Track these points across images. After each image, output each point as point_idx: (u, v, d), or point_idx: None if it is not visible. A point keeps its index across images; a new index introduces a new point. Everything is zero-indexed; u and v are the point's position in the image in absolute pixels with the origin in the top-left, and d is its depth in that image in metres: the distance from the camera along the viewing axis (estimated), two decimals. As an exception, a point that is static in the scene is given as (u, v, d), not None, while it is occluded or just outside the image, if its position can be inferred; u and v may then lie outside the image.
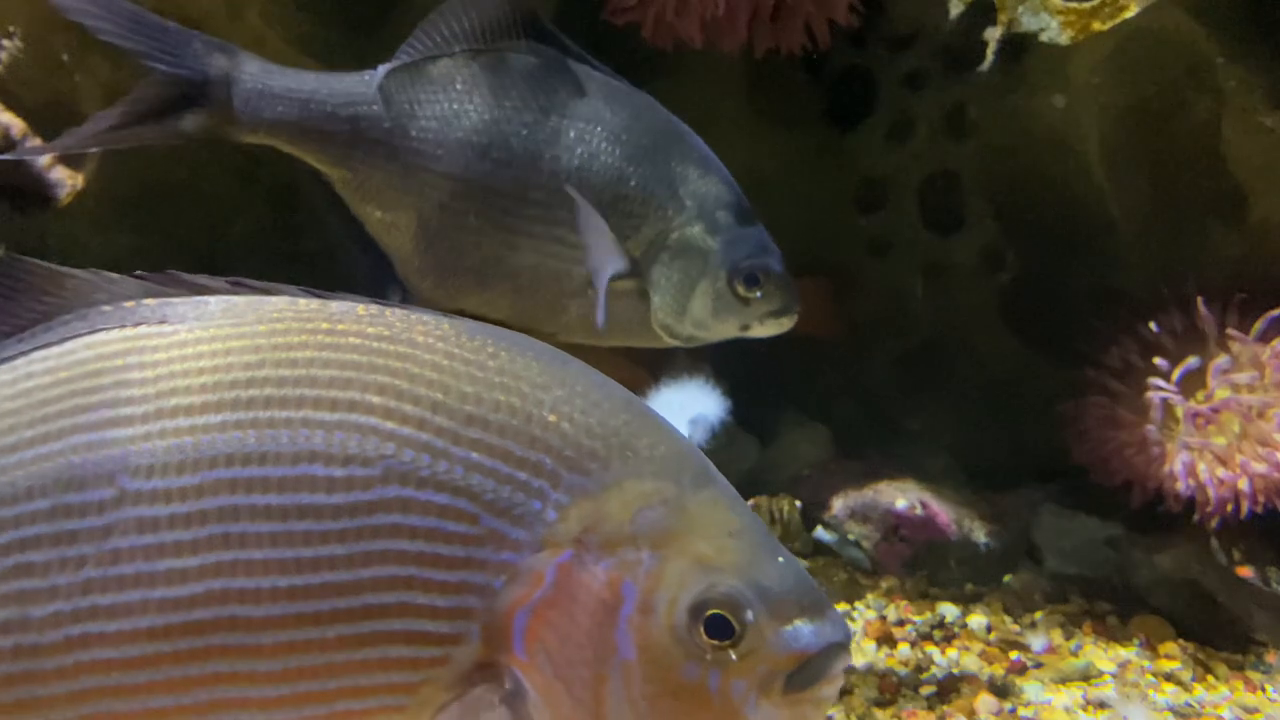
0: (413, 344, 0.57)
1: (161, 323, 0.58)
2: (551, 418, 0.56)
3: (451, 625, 0.54)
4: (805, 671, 0.54)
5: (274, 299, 0.60)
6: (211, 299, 0.60)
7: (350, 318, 0.58)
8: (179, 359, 0.57)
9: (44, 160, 1.50)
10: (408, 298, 1.04)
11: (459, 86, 1.00)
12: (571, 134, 0.99)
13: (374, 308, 0.59)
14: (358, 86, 1.00)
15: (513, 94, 1.00)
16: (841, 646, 0.55)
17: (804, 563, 1.20)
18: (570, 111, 0.99)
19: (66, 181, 1.50)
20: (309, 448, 0.55)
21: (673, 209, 1.00)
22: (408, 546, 0.54)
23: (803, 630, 0.54)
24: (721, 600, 0.53)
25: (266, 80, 0.98)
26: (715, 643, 0.53)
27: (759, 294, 1.01)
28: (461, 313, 1.05)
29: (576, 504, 0.55)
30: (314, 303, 0.60)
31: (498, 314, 1.04)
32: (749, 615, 0.53)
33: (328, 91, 0.99)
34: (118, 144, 0.99)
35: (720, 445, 1.20)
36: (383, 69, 1.00)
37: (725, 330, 1.03)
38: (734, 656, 0.53)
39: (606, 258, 0.99)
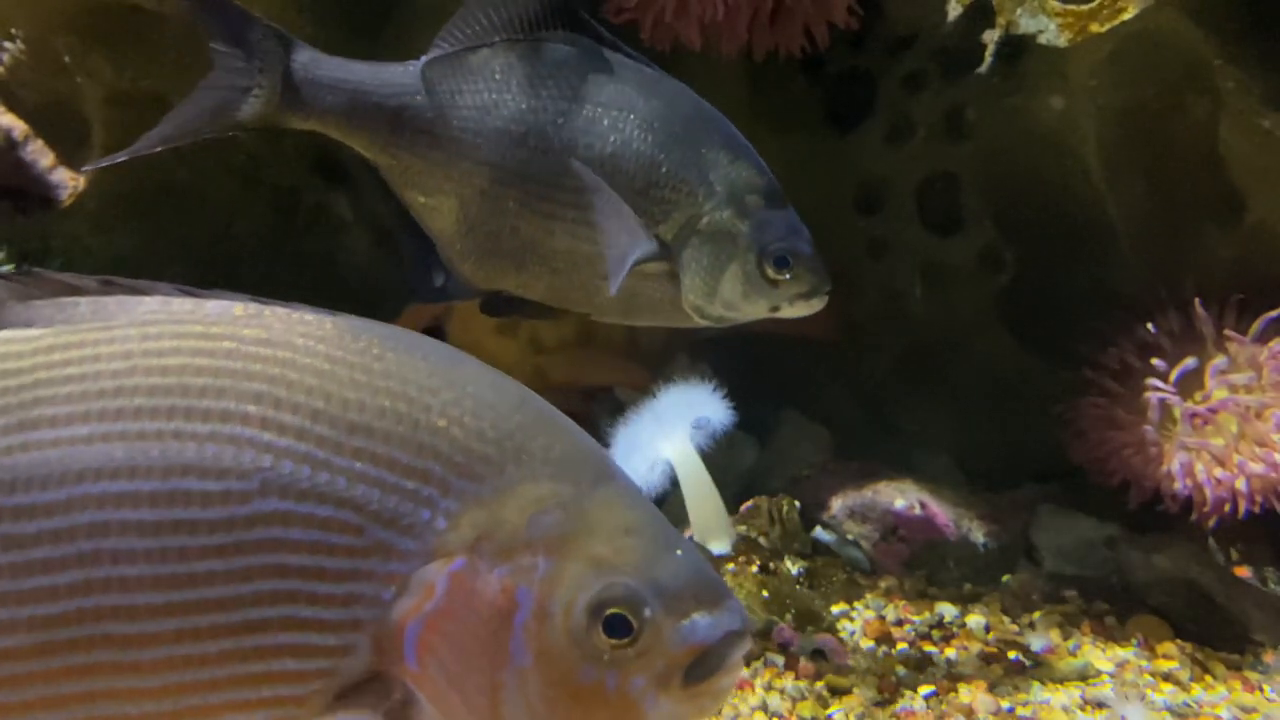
0: (292, 348, 0.55)
1: (27, 326, 0.56)
2: (440, 422, 0.55)
3: (339, 638, 0.53)
4: (704, 663, 0.54)
5: (147, 300, 0.57)
6: (81, 300, 0.57)
7: (226, 320, 0.56)
8: (44, 366, 0.54)
9: (46, 161, 1.50)
10: (451, 279, 1.07)
11: (497, 76, 1.02)
12: (605, 122, 1.01)
13: (252, 307, 0.57)
14: (402, 77, 1.02)
15: (549, 83, 1.02)
16: (739, 635, 0.55)
17: (803, 563, 1.20)
18: (604, 99, 1.01)
19: (68, 183, 1.51)
20: (181, 461, 0.53)
21: (703, 194, 1.02)
22: (290, 560, 0.53)
23: (700, 623, 0.54)
24: (619, 600, 0.53)
25: (317, 70, 1.00)
26: (613, 642, 0.53)
27: (789, 276, 1.02)
28: (501, 292, 1.07)
29: (468, 511, 0.54)
30: (188, 303, 0.57)
31: (535, 294, 1.07)
32: (647, 612, 0.53)
33: (375, 82, 1.01)
34: (184, 140, 1.01)
35: (719, 446, 1.21)
36: (425, 59, 1.03)
37: (755, 311, 1.05)
38: (632, 655, 0.53)
39: (631, 240, 1.01)
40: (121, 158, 0.97)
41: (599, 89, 1.01)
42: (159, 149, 0.99)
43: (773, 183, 1.04)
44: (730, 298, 1.03)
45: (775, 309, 1.05)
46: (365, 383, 0.55)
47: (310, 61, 1.00)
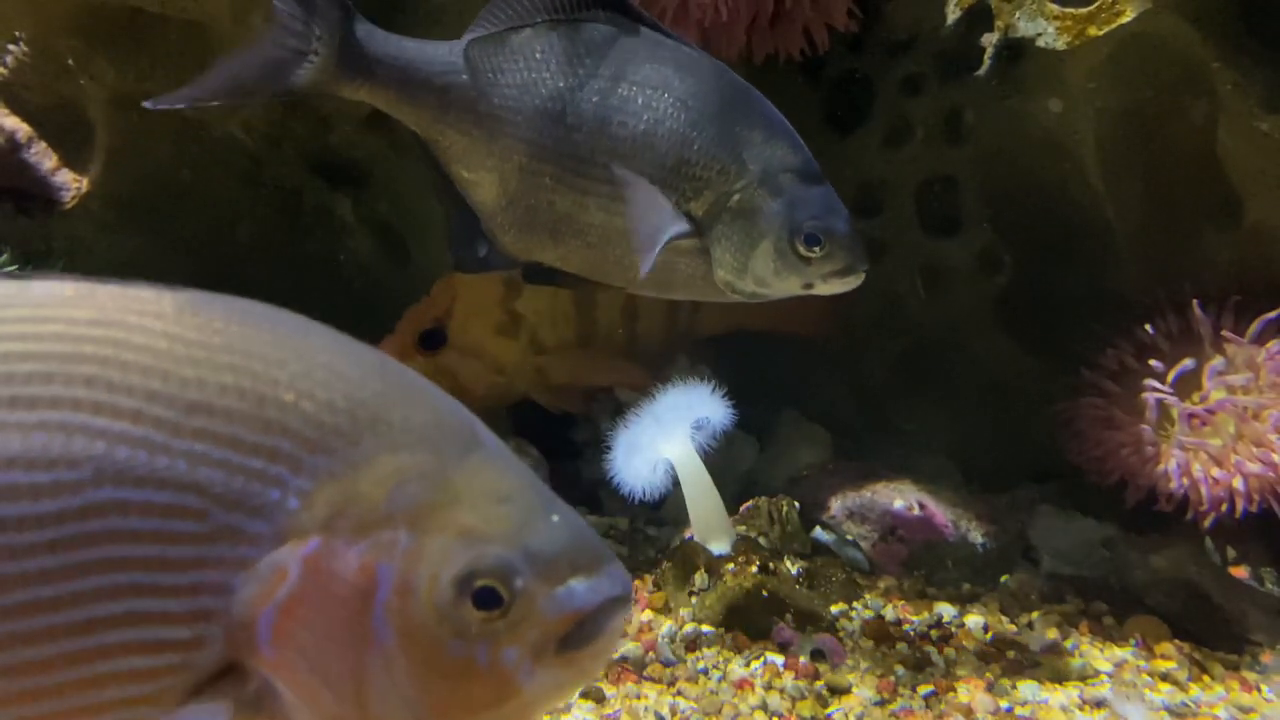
0: (126, 326, 0.52)
1: None
2: (288, 397, 0.52)
3: (189, 630, 0.50)
4: (581, 631, 0.51)
5: None
6: None
7: (54, 302, 0.53)
8: None
9: (49, 163, 1.51)
10: (492, 250, 1.11)
11: (537, 55, 1.04)
12: (640, 100, 1.03)
13: (84, 287, 0.53)
14: (448, 55, 1.05)
15: (586, 62, 1.04)
16: (619, 601, 0.52)
17: (803, 563, 1.20)
18: (640, 79, 1.03)
19: (71, 184, 1.51)
20: (6, 453, 0.49)
21: (735, 172, 1.03)
22: (130, 551, 0.50)
23: (576, 589, 0.51)
24: (487, 570, 0.50)
25: (372, 43, 1.02)
26: (483, 615, 0.50)
27: (821, 253, 1.03)
28: (540, 265, 1.10)
29: (322, 488, 0.51)
30: (12, 287, 0.54)
31: (572, 267, 1.10)
32: (518, 582, 0.51)
33: (422, 59, 1.04)
34: (231, 99, 1.04)
35: (719, 447, 1.21)
36: (468, 38, 1.05)
37: (788, 287, 1.06)
38: (503, 626, 0.50)
39: (662, 222, 1.02)
40: (180, 104, 1.00)
41: (635, 68, 1.03)
42: (213, 102, 1.01)
43: (809, 161, 1.05)
44: (762, 274, 1.04)
45: (809, 286, 1.05)
46: (205, 359, 0.52)
47: (366, 34, 1.02)
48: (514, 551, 0.51)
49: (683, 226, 1.02)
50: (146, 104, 1.01)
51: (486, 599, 0.50)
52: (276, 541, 0.51)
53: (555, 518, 0.53)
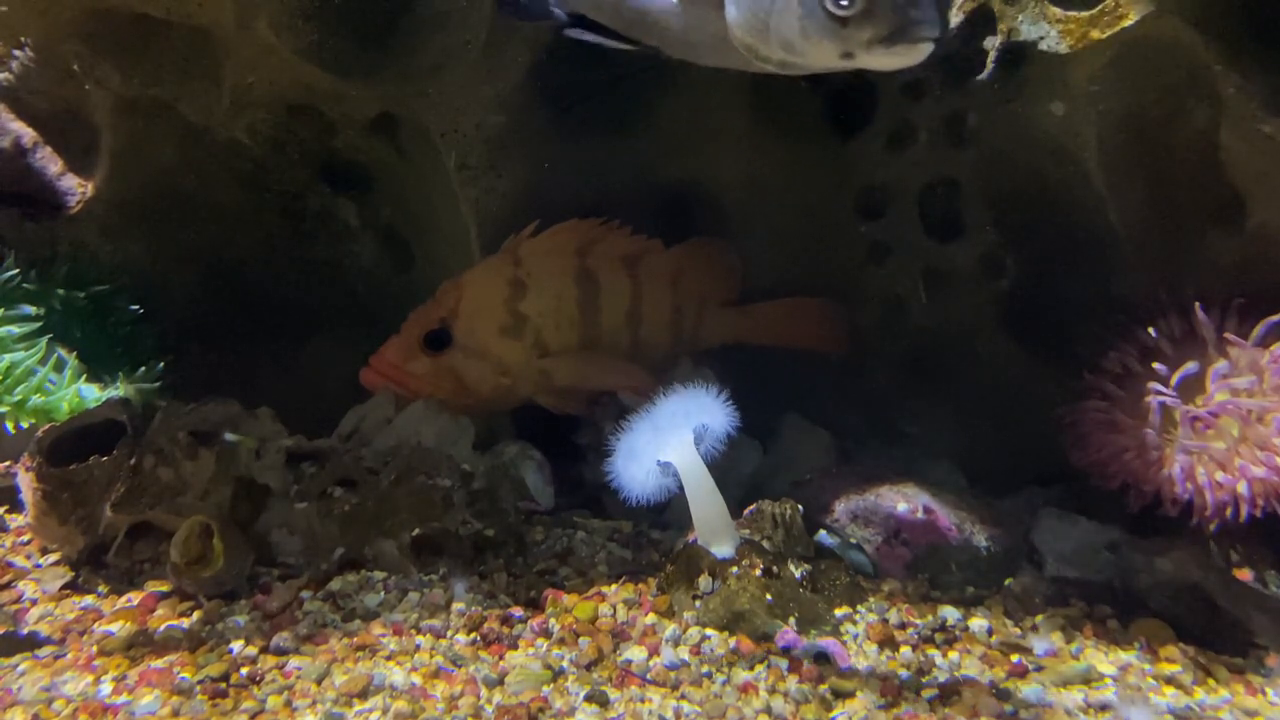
0: None
1: None
2: None
3: None
4: None
5: None
6: None
7: None
8: None
9: (55, 168, 1.52)
10: None
11: None
12: None
13: None
14: None
15: None
16: None
17: (806, 566, 1.20)
18: None
19: (76, 189, 1.52)
20: None
21: None
22: None
23: None
24: None
25: None
26: None
27: (857, 12, 0.82)
28: (578, 15, 1.06)
29: None
30: None
31: (611, 22, 0.99)
32: None
33: None
34: None
35: (722, 450, 1.21)
36: None
37: (822, 56, 0.87)
38: None
39: None
40: None
41: None
42: None
43: None
44: (788, 37, 0.85)
45: (848, 55, 0.86)
46: None
47: None
48: None
49: None
50: None
51: None
52: None
53: None
